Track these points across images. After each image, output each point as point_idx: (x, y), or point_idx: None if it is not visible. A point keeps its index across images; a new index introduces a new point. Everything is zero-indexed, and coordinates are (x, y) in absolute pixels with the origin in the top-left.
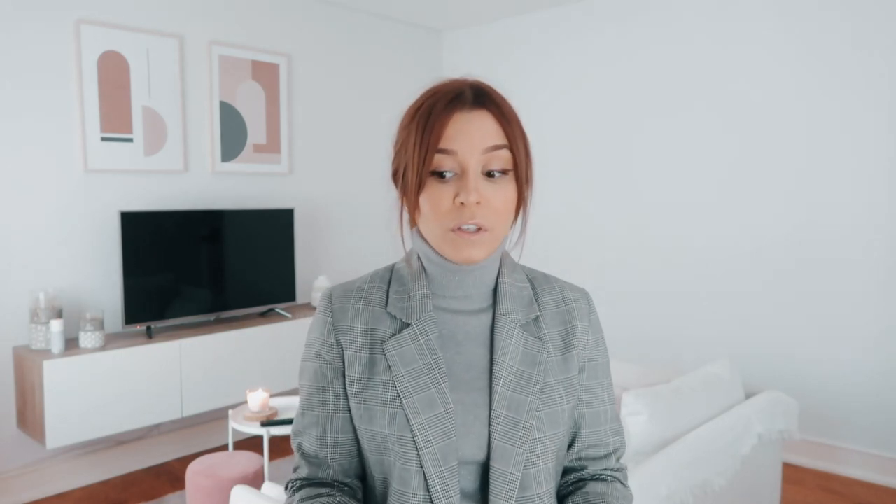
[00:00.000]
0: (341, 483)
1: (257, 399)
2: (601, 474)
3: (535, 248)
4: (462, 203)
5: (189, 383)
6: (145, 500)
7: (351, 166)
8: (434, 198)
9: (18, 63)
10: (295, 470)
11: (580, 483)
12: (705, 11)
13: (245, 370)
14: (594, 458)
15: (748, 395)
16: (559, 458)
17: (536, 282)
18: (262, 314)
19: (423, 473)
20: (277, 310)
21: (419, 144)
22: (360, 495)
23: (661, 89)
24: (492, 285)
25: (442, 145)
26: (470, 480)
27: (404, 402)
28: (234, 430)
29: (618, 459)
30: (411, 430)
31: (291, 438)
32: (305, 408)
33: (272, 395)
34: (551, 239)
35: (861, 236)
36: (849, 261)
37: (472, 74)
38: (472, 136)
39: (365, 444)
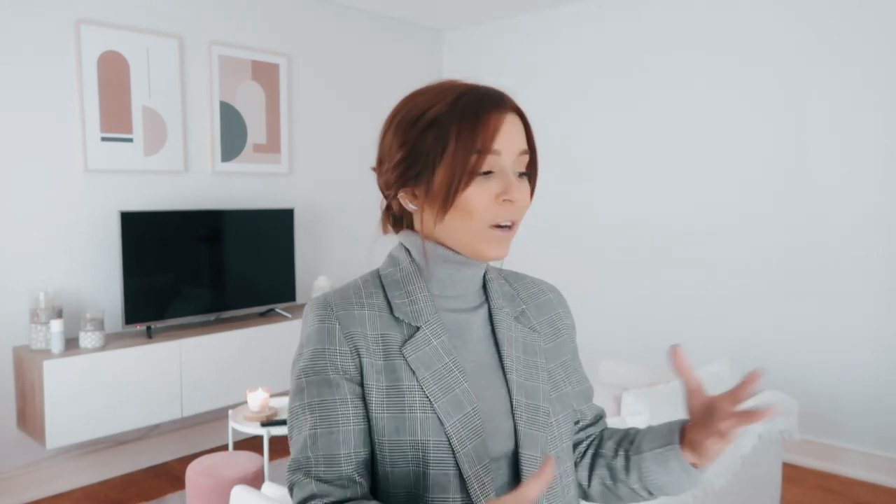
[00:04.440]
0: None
1: (257, 399)
2: (606, 431)
3: (535, 248)
4: (507, 200)
5: (189, 383)
6: (145, 500)
7: (351, 166)
8: (476, 195)
9: (18, 63)
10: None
11: (596, 441)
12: (707, 11)
13: (245, 370)
14: (592, 426)
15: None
16: (570, 438)
17: (510, 279)
18: (262, 314)
19: (461, 475)
20: (277, 310)
21: (466, 142)
22: None
23: (662, 90)
24: (479, 283)
25: (495, 145)
26: (503, 476)
27: (435, 405)
28: (234, 430)
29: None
30: (446, 434)
31: (294, 471)
32: (319, 428)
33: (272, 395)
34: (551, 239)
35: (861, 236)
36: (849, 261)
37: (479, 78)
38: (513, 137)
39: (387, 457)
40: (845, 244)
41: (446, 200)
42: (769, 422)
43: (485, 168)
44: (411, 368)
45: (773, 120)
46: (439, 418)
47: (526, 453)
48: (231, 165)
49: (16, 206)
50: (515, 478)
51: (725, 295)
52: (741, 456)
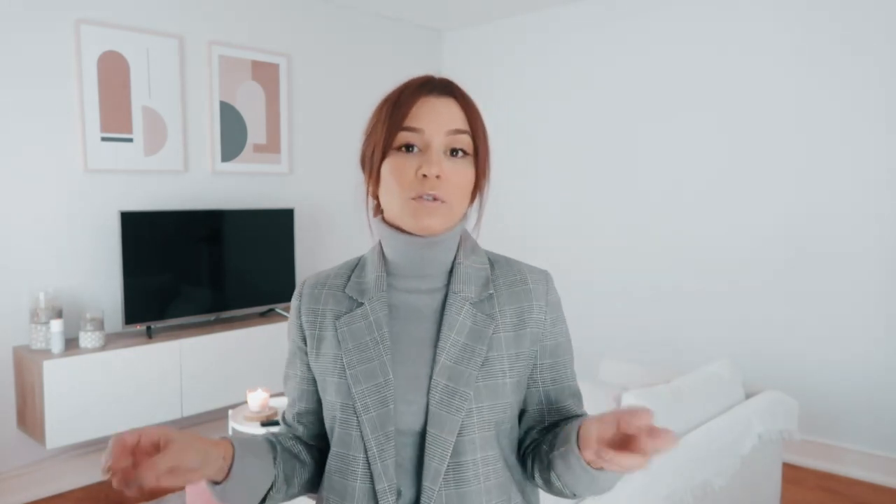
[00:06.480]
0: (305, 443)
1: (257, 399)
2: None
3: (535, 247)
4: (424, 175)
5: (189, 383)
6: (145, 501)
7: (351, 166)
8: (398, 169)
9: (19, 63)
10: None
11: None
12: (705, 12)
13: (245, 370)
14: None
15: (748, 395)
16: (506, 429)
17: (497, 264)
18: (262, 314)
19: (363, 437)
20: (277, 310)
21: (388, 122)
22: (314, 455)
23: (662, 88)
24: (448, 266)
25: (409, 123)
26: (410, 450)
27: (348, 373)
28: (234, 430)
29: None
30: (352, 398)
31: None
32: (285, 378)
33: (272, 395)
34: (551, 238)
35: (861, 235)
36: (849, 260)
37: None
38: (438, 117)
39: (324, 413)
40: (846, 244)
41: (371, 171)
42: (769, 421)
43: (401, 142)
44: (339, 339)
45: (774, 119)
46: (349, 384)
47: (432, 431)
48: (231, 165)
49: (16, 206)
50: (422, 458)
51: (726, 294)
52: (741, 456)
